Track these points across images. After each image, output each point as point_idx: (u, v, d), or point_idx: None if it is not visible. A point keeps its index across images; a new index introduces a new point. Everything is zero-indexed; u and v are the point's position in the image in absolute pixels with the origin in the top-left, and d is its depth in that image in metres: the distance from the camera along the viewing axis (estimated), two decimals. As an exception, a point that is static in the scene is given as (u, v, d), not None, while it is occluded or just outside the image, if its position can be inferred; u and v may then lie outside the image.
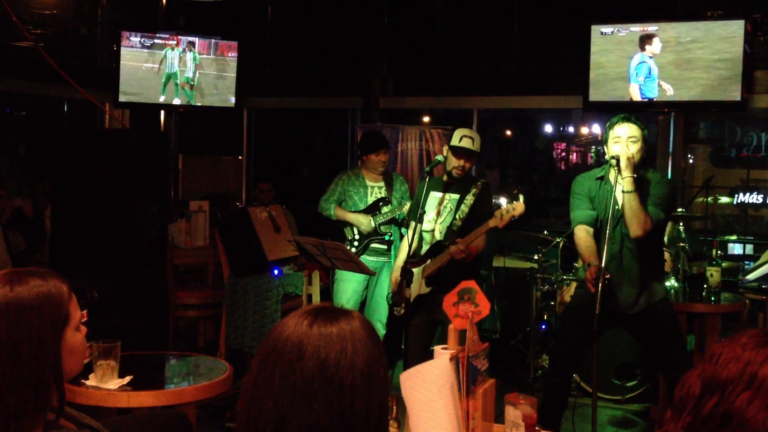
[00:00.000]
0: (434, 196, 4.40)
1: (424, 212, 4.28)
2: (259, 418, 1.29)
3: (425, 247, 4.39)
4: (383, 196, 5.60)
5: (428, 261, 4.29)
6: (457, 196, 4.32)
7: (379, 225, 5.49)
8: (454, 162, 4.32)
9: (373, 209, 5.53)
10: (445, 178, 4.43)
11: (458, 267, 4.05)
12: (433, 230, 4.36)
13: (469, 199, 4.27)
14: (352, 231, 5.53)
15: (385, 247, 5.54)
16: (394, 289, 4.39)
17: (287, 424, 1.27)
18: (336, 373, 1.29)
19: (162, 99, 7.32)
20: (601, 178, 3.93)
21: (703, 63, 6.00)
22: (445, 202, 4.35)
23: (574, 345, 3.96)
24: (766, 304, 5.29)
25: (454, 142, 4.33)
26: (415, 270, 4.28)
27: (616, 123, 3.85)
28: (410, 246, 4.15)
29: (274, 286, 5.49)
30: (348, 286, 5.46)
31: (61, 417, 1.83)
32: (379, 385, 1.34)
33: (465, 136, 4.31)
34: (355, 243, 5.50)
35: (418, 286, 4.32)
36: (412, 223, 4.34)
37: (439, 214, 4.35)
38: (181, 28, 7.69)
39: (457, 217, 4.26)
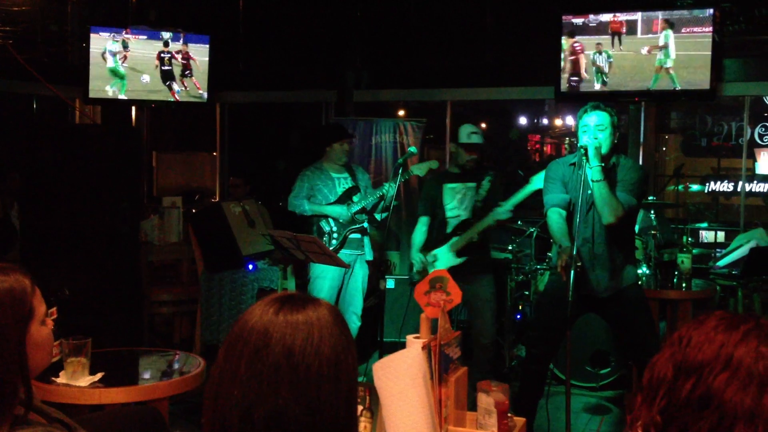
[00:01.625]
0: (450, 187, 4.93)
1: (444, 207, 4.89)
2: (225, 407, 1.28)
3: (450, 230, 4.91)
4: (351, 185, 5.57)
5: (455, 238, 4.82)
6: (473, 184, 4.89)
7: (354, 214, 5.47)
8: (466, 156, 4.87)
9: (345, 200, 5.50)
10: (456, 170, 4.97)
11: (481, 240, 4.82)
12: (458, 216, 4.88)
13: (486, 184, 4.86)
14: (329, 224, 5.49)
15: (359, 236, 5.51)
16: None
17: (254, 412, 1.27)
18: (302, 360, 1.28)
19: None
20: (575, 164, 3.96)
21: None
22: (464, 190, 4.91)
23: (549, 332, 3.99)
24: (737, 289, 5.36)
25: (463, 139, 4.89)
26: (441, 249, 4.86)
27: (584, 112, 3.89)
28: (425, 238, 4.94)
29: (249, 281, 5.48)
30: (324, 284, 5.41)
31: (31, 411, 1.81)
32: (346, 372, 1.34)
33: (473, 132, 4.90)
34: (334, 236, 5.46)
35: (448, 260, 4.79)
36: (423, 218, 4.98)
37: (460, 201, 4.90)
38: (152, 23, 7.62)
39: (477, 200, 4.85)
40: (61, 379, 3.04)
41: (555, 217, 3.94)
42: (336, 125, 5.83)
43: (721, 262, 5.44)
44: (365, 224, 5.50)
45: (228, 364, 1.31)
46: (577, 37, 6.31)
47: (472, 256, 4.79)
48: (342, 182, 5.56)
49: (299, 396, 1.27)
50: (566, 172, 3.99)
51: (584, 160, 3.81)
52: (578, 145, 3.90)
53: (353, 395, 1.38)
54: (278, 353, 1.28)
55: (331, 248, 5.25)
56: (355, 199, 5.48)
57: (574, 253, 3.58)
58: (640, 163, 6.95)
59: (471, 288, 4.69)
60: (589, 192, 3.81)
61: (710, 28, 5.88)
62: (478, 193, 4.86)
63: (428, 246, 4.94)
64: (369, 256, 5.61)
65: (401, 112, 9.45)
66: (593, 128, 3.83)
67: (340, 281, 5.48)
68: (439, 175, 5.12)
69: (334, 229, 5.44)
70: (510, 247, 5.88)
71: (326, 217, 5.47)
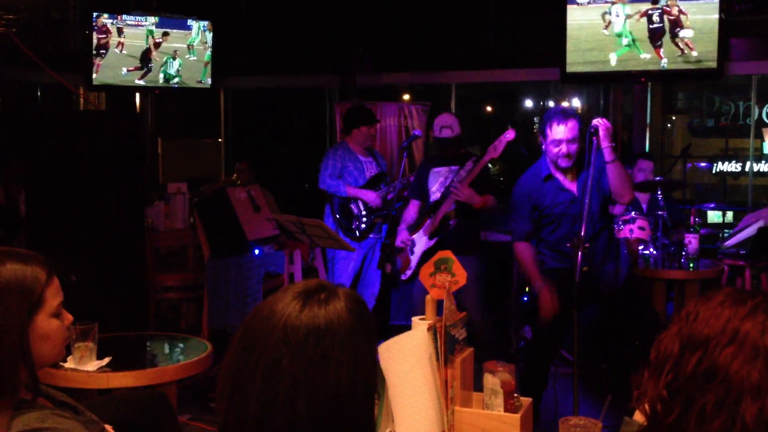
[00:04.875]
0: (435, 171, 4.82)
1: (428, 190, 4.76)
2: (241, 408, 1.25)
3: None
4: (378, 171, 5.58)
5: (427, 220, 4.71)
6: (456, 167, 4.71)
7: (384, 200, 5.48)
8: (436, 151, 4.86)
9: (373, 185, 5.51)
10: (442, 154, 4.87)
11: (463, 221, 4.64)
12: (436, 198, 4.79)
13: (466, 167, 4.66)
14: (359, 207, 5.49)
15: (380, 221, 5.52)
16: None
17: (270, 420, 1.24)
18: (320, 375, 1.25)
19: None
20: (550, 177, 3.87)
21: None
22: (447, 173, 4.76)
23: (556, 326, 3.92)
24: (744, 269, 5.34)
25: (435, 133, 4.80)
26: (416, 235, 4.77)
27: (553, 122, 3.78)
28: (415, 221, 4.82)
29: (255, 266, 5.46)
30: (348, 265, 5.46)
31: (38, 396, 1.82)
32: (365, 382, 1.30)
33: (444, 126, 4.74)
34: (363, 220, 5.46)
35: (422, 245, 4.69)
36: (412, 201, 4.87)
37: (441, 184, 4.76)
38: (154, 8, 7.60)
39: (458, 180, 4.65)
40: (69, 363, 3.05)
41: (528, 252, 3.90)
42: (362, 108, 5.79)
43: (729, 242, 5.43)
44: (393, 212, 5.52)
45: (245, 365, 1.26)
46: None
47: (448, 237, 4.64)
48: (369, 166, 5.58)
49: (315, 411, 1.25)
50: (535, 189, 3.89)
51: (593, 144, 3.73)
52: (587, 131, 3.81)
53: (371, 398, 1.34)
54: (296, 368, 1.24)
55: (358, 232, 5.39)
56: (383, 185, 5.50)
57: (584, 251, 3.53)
58: (647, 143, 6.93)
59: None
60: (587, 196, 3.69)
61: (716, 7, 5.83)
62: (457, 173, 4.70)
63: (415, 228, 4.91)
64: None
65: (405, 96, 9.41)
66: (566, 142, 3.75)
67: (361, 263, 5.50)
68: (430, 158, 5.12)
69: (364, 212, 5.45)
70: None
71: (357, 200, 5.46)
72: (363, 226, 5.43)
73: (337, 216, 5.50)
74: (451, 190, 4.49)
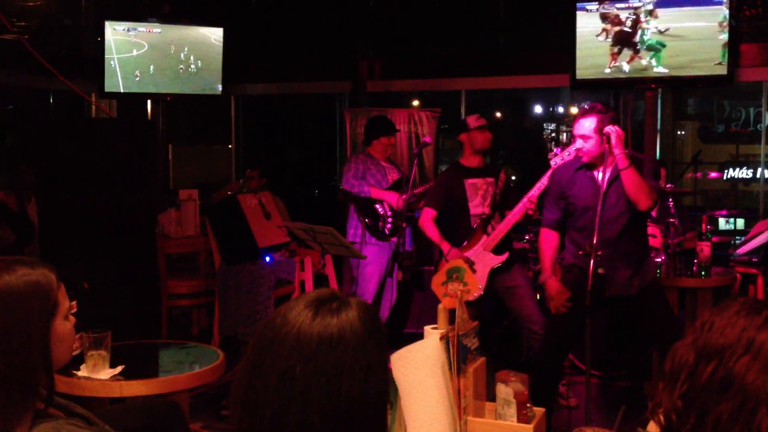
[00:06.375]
0: (471, 183, 4.71)
1: (467, 203, 4.67)
2: (255, 413, 1.26)
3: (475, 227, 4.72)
4: (400, 176, 5.63)
5: (482, 237, 4.57)
6: (492, 179, 4.74)
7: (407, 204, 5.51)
8: (481, 139, 4.71)
9: (396, 188, 5.53)
10: (471, 165, 4.75)
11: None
12: (483, 213, 4.68)
13: (500, 179, 4.76)
14: (384, 207, 5.53)
15: (405, 224, 5.53)
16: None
17: (284, 425, 1.25)
18: (332, 381, 1.26)
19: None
20: (582, 167, 3.88)
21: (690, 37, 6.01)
22: (485, 185, 4.72)
23: (567, 327, 3.91)
24: (757, 277, 5.31)
25: (474, 125, 4.72)
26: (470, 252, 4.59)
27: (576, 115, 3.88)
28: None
29: (266, 273, 5.47)
30: (374, 270, 5.48)
31: (51, 406, 1.82)
32: (377, 388, 1.31)
33: (479, 116, 4.77)
34: (389, 219, 5.49)
35: (488, 262, 4.56)
36: (427, 210, 4.73)
37: (483, 197, 4.70)
38: (166, 15, 7.63)
39: (498, 194, 4.70)
40: (82, 372, 3.06)
41: (546, 241, 3.99)
42: (383, 118, 5.84)
43: (741, 250, 5.40)
44: (416, 214, 5.53)
45: (258, 373, 1.28)
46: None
47: (511, 250, 4.66)
48: (391, 171, 5.65)
49: (327, 419, 1.26)
50: (567, 177, 3.91)
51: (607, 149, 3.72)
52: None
53: (383, 407, 1.35)
54: (308, 376, 1.25)
55: (386, 230, 5.44)
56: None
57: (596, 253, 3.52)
58: (657, 149, 6.91)
59: (505, 276, 4.60)
60: (599, 204, 3.65)
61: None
62: (496, 186, 4.75)
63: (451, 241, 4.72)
64: (409, 246, 5.72)
65: (415, 102, 9.42)
66: (578, 137, 3.82)
67: (385, 267, 5.51)
68: (456, 168, 4.87)
69: (389, 213, 5.49)
70: (527, 237, 5.86)
71: (381, 200, 5.51)
72: (389, 225, 5.47)
73: (362, 216, 5.53)
74: (529, 208, 4.39)
